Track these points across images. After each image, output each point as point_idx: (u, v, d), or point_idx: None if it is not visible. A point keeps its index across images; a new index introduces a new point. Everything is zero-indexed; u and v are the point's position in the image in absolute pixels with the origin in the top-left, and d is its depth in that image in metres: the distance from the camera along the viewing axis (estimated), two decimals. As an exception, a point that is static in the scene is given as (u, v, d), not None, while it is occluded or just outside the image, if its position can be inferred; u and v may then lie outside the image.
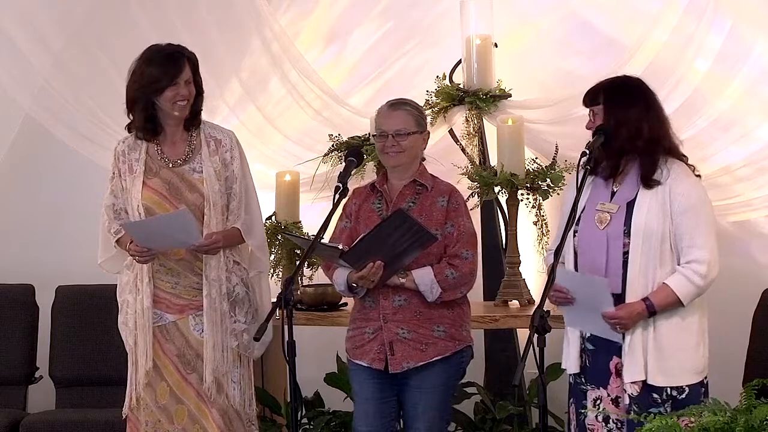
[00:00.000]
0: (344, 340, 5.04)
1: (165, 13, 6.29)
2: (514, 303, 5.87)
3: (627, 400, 4.53)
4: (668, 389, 4.51)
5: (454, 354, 4.88)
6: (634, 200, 4.55)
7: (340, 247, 4.75)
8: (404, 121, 4.89)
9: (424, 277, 4.80)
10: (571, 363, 4.65)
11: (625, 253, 4.52)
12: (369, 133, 6.04)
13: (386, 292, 4.84)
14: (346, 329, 5.05)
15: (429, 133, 5.05)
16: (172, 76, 4.93)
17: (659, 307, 4.48)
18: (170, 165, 5.05)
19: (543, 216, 5.85)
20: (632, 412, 4.44)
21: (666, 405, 4.50)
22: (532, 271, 6.05)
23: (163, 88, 4.94)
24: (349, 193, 4.84)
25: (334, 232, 5.00)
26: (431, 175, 5.00)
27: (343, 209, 5.00)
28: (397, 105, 4.94)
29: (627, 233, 4.52)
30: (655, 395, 4.51)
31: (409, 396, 4.89)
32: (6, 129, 6.58)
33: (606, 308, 4.45)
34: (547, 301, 4.27)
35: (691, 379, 4.53)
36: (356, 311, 4.97)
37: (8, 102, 6.44)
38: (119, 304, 5.17)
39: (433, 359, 4.84)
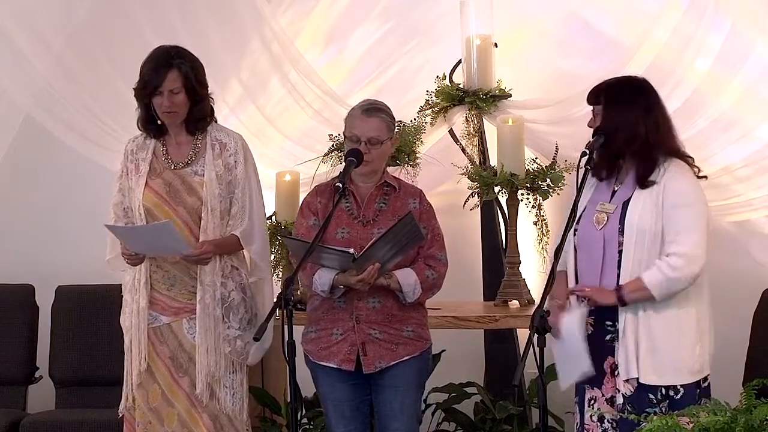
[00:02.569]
0: (302, 342, 4.97)
1: (165, 13, 6.29)
2: (514, 303, 5.87)
3: (621, 400, 4.53)
4: (663, 389, 4.49)
5: (422, 353, 4.91)
6: (629, 199, 4.55)
7: (351, 251, 4.73)
8: (378, 129, 4.86)
9: (408, 278, 4.81)
10: None
11: (620, 252, 4.52)
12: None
13: (360, 293, 4.82)
14: (303, 332, 4.99)
15: (398, 137, 5.00)
16: (154, 86, 4.92)
17: (627, 291, 4.46)
18: (173, 167, 5.04)
19: (543, 216, 5.85)
20: (626, 412, 4.45)
21: (662, 405, 4.49)
22: (532, 271, 6.06)
23: (149, 95, 4.95)
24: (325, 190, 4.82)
25: (298, 230, 4.96)
26: (394, 176, 5.03)
27: (307, 207, 4.96)
28: (372, 111, 4.90)
29: (621, 231, 4.53)
30: (650, 395, 4.49)
31: (383, 396, 4.89)
32: (6, 129, 6.57)
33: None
34: (546, 301, 4.28)
35: (685, 379, 4.51)
36: (320, 312, 4.92)
37: (8, 102, 6.43)
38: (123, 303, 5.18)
39: (405, 358, 4.86)
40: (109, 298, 5.27)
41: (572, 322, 4.49)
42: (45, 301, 6.49)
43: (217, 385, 5.02)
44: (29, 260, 6.74)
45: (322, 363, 4.91)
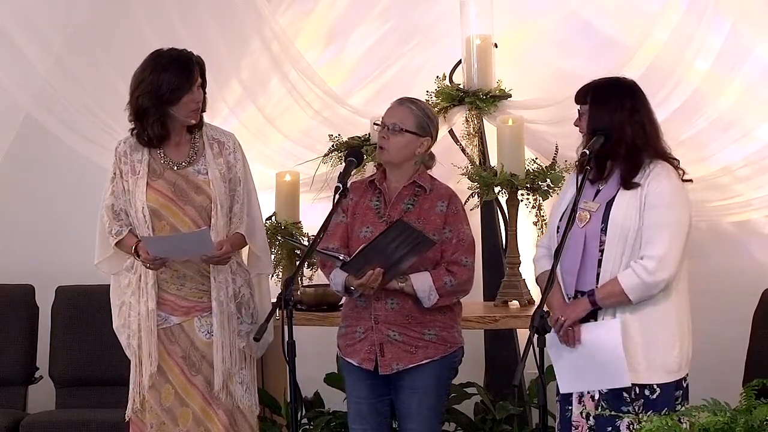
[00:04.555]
0: (337, 336, 5.03)
1: (165, 12, 6.29)
2: (514, 303, 5.87)
3: (597, 396, 4.54)
4: (637, 388, 4.49)
5: (443, 357, 4.87)
6: (613, 199, 4.55)
7: (341, 257, 4.72)
8: (402, 117, 4.83)
9: (423, 284, 4.77)
10: None
11: (602, 251, 4.52)
12: (369, 134, 6.05)
13: (379, 293, 4.80)
14: (338, 325, 5.05)
15: (432, 140, 4.94)
16: (189, 84, 4.91)
17: (601, 297, 4.47)
18: (174, 167, 5.04)
19: (543, 216, 5.85)
20: (600, 409, 4.45)
21: (635, 404, 4.49)
22: (532, 271, 6.04)
23: (180, 96, 4.92)
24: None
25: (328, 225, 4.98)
26: (430, 176, 4.96)
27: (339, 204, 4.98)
28: (404, 101, 4.90)
29: (604, 230, 4.53)
30: (624, 393, 4.50)
31: (401, 397, 4.88)
32: (6, 129, 6.57)
33: (616, 355, 4.44)
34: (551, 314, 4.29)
35: (662, 378, 4.50)
36: (348, 309, 4.95)
37: (8, 102, 6.43)
38: (115, 306, 5.16)
39: (424, 361, 4.84)
40: (109, 298, 5.26)
41: (610, 334, 4.46)
42: (45, 301, 6.49)
43: (231, 380, 5.03)
44: (29, 260, 6.74)
45: (347, 359, 4.93)
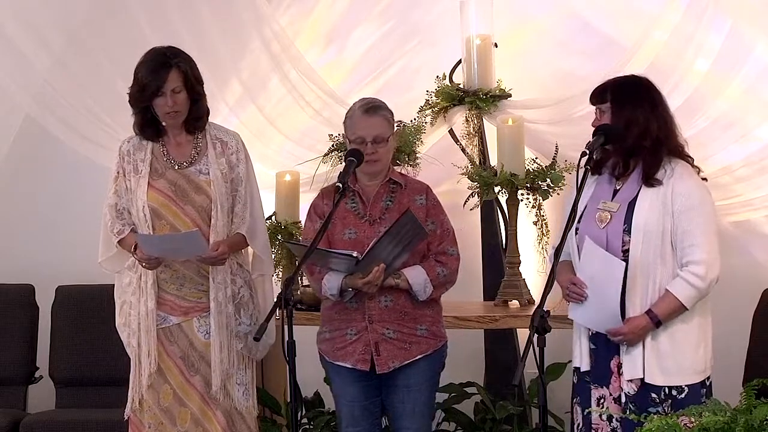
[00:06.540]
0: (317, 342, 5.00)
1: (165, 13, 6.29)
2: (514, 303, 5.87)
3: (624, 399, 4.54)
4: (666, 389, 4.51)
5: (435, 351, 4.90)
6: (634, 199, 4.55)
7: (355, 254, 4.73)
8: (381, 127, 4.85)
9: (417, 277, 4.80)
10: (583, 360, 4.65)
11: (625, 252, 4.52)
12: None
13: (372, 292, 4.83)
14: (318, 331, 5.01)
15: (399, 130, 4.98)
16: (156, 87, 4.91)
17: (663, 316, 4.48)
18: (176, 167, 5.04)
19: (543, 216, 5.85)
20: (628, 411, 4.45)
21: (665, 405, 4.50)
22: (532, 271, 6.06)
23: (151, 97, 4.93)
24: (327, 193, 4.80)
25: (305, 233, 4.96)
26: (399, 172, 5.02)
27: (314, 210, 4.95)
28: (373, 110, 4.88)
29: (627, 231, 4.53)
30: (653, 395, 4.51)
31: (395, 395, 4.89)
32: (6, 129, 6.57)
33: (613, 296, 4.44)
34: (547, 300, 4.28)
35: (690, 379, 4.53)
36: (333, 312, 4.92)
37: (8, 102, 6.44)
38: (118, 305, 5.17)
39: (417, 357, 4.85)
40: (109, 298, 5.27)
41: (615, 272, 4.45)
42: (45, 301, 6.49)
43: (229, 381, 5.03)
44: (29, 260, 6.74)
45: (337, 363, 4.91)
